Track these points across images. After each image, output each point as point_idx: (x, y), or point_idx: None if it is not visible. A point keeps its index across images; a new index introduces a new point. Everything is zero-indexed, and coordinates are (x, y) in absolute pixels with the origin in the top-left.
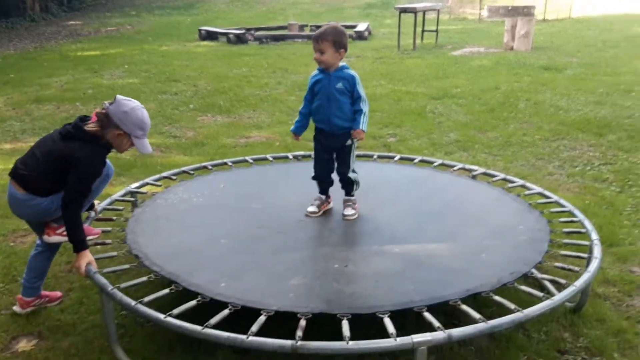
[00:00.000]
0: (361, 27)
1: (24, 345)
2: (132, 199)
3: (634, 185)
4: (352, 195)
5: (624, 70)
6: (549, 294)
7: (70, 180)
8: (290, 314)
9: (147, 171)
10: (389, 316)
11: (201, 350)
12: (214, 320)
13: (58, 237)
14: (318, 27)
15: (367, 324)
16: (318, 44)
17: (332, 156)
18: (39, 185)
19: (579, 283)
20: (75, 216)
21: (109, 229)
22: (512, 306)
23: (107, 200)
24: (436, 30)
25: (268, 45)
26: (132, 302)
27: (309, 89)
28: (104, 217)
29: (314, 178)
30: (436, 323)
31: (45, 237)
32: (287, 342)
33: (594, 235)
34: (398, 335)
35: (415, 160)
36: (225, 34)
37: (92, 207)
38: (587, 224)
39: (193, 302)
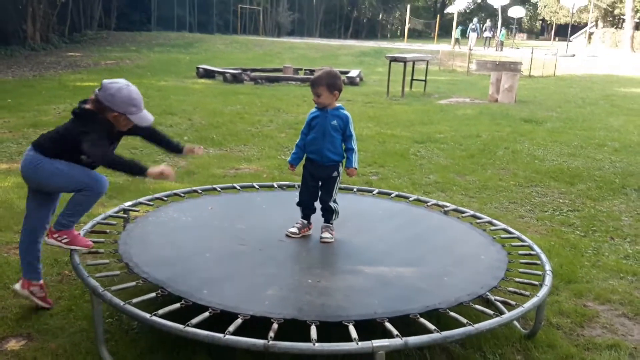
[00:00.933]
0: (353, 73)
1: (13, 345)
2: (125, 215)
3: (597, 231)
4: (331, 223)
5: (599, 126)
6: (501, 314)
7: (86, 149)
8: (265, 319)
9: (140, 195)
10: (353, 325)
11: (181, 355)
12: (195, 320)
13: (53, 240)
14: (312, 71)
15: (334, 332)
16: (314, 88)
17: (318, 185)
18: (48, 146)
19: (528, 305)
20: (113, 161)
21: (102, 240)
22: (465, 321)
23: (102, 216)
24: (425, 80)
25: (263, 86)
26: (121, 303)
27: (307, 123)
28: (99, 229)
29: (298, 204)
30: (395, 331)
31: (45, 239)
32: (260, 341)
33: (547, 267)
34: (360, 341)
35: (392, 195)
36: (222, 73)
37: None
38: (543, 257)
39: (177, 305)
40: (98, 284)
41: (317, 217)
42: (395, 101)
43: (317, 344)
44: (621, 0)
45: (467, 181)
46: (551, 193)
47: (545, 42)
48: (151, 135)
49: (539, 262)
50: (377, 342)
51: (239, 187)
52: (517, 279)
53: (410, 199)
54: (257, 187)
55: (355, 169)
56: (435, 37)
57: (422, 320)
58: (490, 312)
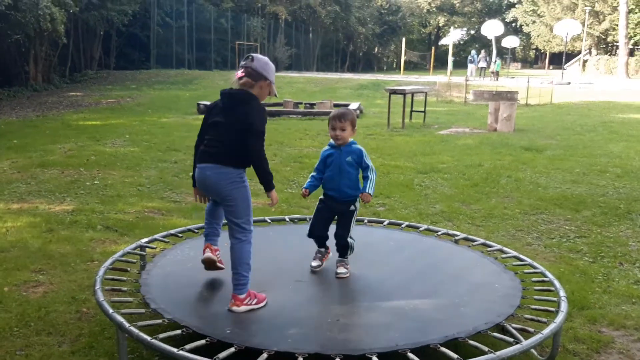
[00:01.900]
0: (353, 106)
1: None
2: (142, 252)
3: (606, 257)
4: (346, 257)
5: (600, 153)
6: (520, 341)
7: (251, 140)
8: (289, 354)
9: (150, 231)
10: (376, 356)
11: None
12: (222, 354)
13: (245, 306)
14: (312, 104)
15: None
16: (341, 122)
17: (333, 217)
18: (231, 157)
19: (546, 331)
20: (265, 158)
21: (124, 278)
22: (486, 349)
23: (119, 253)
24: (424, 111)
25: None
26: (148, 338)
27: (321, 161)
28: (118, 267)
29: (309, 235)
30: None
31: (235, 308)
32: None
33: (562, 293)
34: None
35: (403, 225)
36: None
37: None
38: (556, 283)
39: (202, 341)
40: (124, 320)
41: (332, 246)
42: (397, 132)
43: None
44: (614, 28)
45: (473, 210)
46: (557, 220)
47: (539, 71)
48: None
49: (552, 288)
50: None
51: None
52: (532, 306)
53: (420, 229)
54: (269, 221)
55: (370, 194)
56: (431, 69)
57: (444, 349)
58: (509, 339)
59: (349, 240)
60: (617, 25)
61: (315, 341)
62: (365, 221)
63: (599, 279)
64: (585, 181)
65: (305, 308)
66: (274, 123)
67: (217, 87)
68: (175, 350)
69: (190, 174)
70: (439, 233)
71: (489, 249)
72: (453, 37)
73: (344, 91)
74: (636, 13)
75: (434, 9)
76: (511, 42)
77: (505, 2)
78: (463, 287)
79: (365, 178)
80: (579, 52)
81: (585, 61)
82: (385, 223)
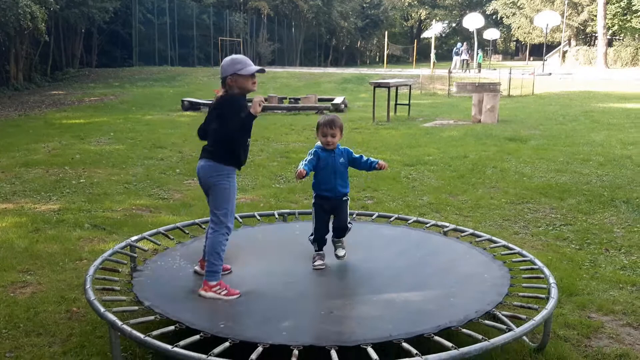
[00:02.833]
0: (338, 100)
1: None
2: (132, 253)
3: (592, 244)
4: (342, 237)
5: (582, 142)
6: (512, 329)
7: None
8: (284, 347)
9: (138, 229)
10: (371, 347)
11: None
12: (217, 350)
13: (212, 294)
14: (297, 99)
15: (352, 356)
16: (332, 129)
17: (329, 219)
18: (220, 154)
19: (538, 318)
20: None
21: (116, 278)
22: (480, 336)
23: (109, 251)
24: (408, 104)
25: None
26: (141, 335)
27: (314, 157)
28: (109, 265)
29: (314, 240)
30: (414, 350)
31: (202, 293)
32: None
33: (552, 280)
34: None
35: (392, 218)
36: (208, 105)
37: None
38: (546, 270)
39: (196, 337)
40: (116, 318)
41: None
42: (382, 126)
43: None
44: (592, 19)
45: (460, 201)
46: (543, 209)
47: (520, 62)
48: None
49: (542, 275)
50: None
51: (240, 219)
52: (522, 294)
53: (409, 221)
54: (258, 217)
55: (384, 162)
56: (414, 62)
57: (437, 338)
58: (502, 327)
59: (348, 225)
60: (595, 16)
61: (309, 333)
62: (354, 215)
63: (586, 266)
64: (569, 170)
65: (298, 301)
66: (259, 118)
67: (200, 83)
68: (169, 347)
69: (178, 170)
70: (428, 225)
71: (477, 239)
72: (435, 30)
73: (328, 85)
74: (614, 4)
75: (416, 2)
76: (492, 34)
77: None
78: (453, 278)
79: (362, 157)
80: (559, 44)
81: (565, 52)
82: (374, 216)
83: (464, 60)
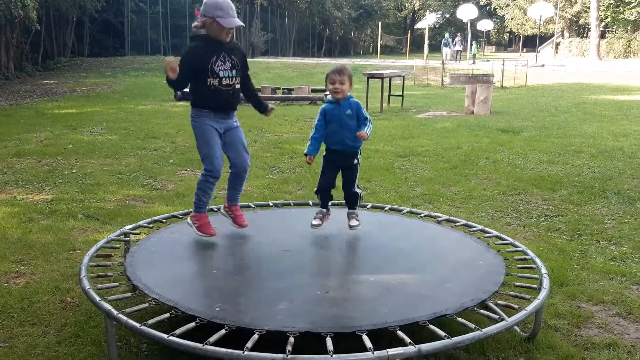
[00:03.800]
0: None
1: None
2: (127, 239)
3: (583, 235)
4: (355, 208)
5: (574, 133)
6: (504, 319)
7: None
8: (280, 333)
9: (132, 220)
10: (366, 334)
11: None
12: (212, 338)
13: (190, 221)
14: (290, 90)
15: (347, 342)
16: (340, 76)
17: (337, 173)
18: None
19: (530, 308)
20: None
21: (109, 263)
22: (473, 326)
23: (104, 240)
24: (402, 95)
25: (242, 106)
26: (137, 325)
27: (321, 116)
28: (103, 253)
29: (317, 191)
30: (407, 339)
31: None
32: (279, 356)
33: (543, 270)
34: (375, 350)
35: (386, 208)
36: None
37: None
38: (538, 261)
39: (192, 324)
40: (112, 307)
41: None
42: (375, 117)
43: (334, 355)
44: (585, 10)
45: (453, 192)
46: (534, 200)
47: (513, 54)
48: (245, 84)
49: (534, 266)
50: (392, 351)
51: None
52: (515, 284)
53: (403, 212)
54: (253, 206)
55: (366, 133)
56: (407, 52)
57: (431, 327)
58: (494, 316)
59: (356, 190)
60: (588, 7)
61: (305, 318)
62: None
63: (577, 256)
64: (561, 161)
65: (293, 282)
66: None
67: None
68: (165, 336)
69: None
70: (421, 215)
71: (470, 229)
72: (428, 20)
73: (321, 76)
74: None
75: None
76: (485, 25)
77: None
78: (448, 265)
79: (364, 122)
80: (552, 35)
81: (557, 44)
82: (368, 207)
83: (457, 51)
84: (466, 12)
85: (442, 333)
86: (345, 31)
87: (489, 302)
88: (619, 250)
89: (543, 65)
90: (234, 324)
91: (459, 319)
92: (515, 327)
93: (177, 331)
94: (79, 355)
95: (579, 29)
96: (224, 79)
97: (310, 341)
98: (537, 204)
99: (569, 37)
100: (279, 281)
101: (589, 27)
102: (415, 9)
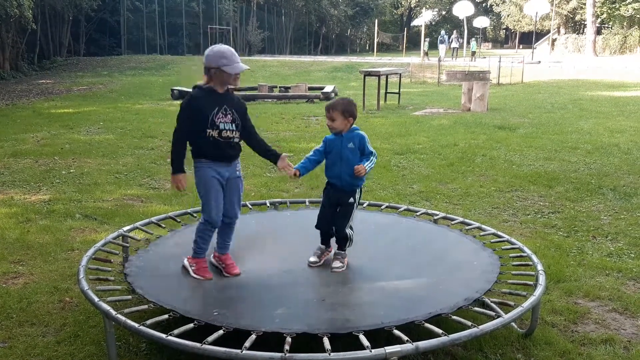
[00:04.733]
0: (328, 89)
1: None
2: (125, 243)
3: (579, 231)
4: (344, 250)
5: (570, 130)
6: (501, 315)
7: None
8: (277, 335)
9: (130, 219)
10: (363, 334)
11: None
12: (210, 338)
13: (187, 264)
14: (287, 88)
15: (345, 343)
16: (329, 113)
17: (336, 210)
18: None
19: (526, 304)
20: (175, 140)
21: (108, 268)
22: (469, 323)
23: (101, 242)
24: (398, 92)
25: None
26: (136, 325)
27: (322, 144)
28: (100, 256)
29: (317, 227)
30: (405, 337)
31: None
32: (277, 355)
33: (540, 267)
34: (372, 348)
35: (383, 207)
36: None
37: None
38: (534, 258)
39: (190, 325)
40: (110, 308)
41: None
42: (372, 114)
43: (332, 354)
44: (581, 7)
45: (450, 189)
46: (531, 197)
47: (510, 50)
48: (249, 133)
49: (530, 263)
50: (389, 349)
51: None
52: (511, 281)
53: (400, 210)
54: (250, 206)
55: (365, 168)
56: (404, 50)
57: (428, 325)
58: (491, 313)
59: (347, 231)
60: (584, 4)
61: (302, 320)
62: None
63: (574, 253)
64: (558, 158)
65: (291, 287)
66: (250, 107)
67: (190, 72)
68: (163, 336)
69: (168, 160)
70: (418, 213)
71: (467, 227)
72: (425, 18)
73: (318, 74)
74: None
75: None
76: (482, 22)
77: None
78: (444, 266)
79: (367, 156)
80: (548, 31)
81: (554, 40)
82: (365, 205)
83: (454, 48)
84: (462, 9)
85: (439, 331)
86: (342, 29)
87: (486, 300)
88: (615, 246)
89: (539, 61)
90: (232, 326)
91: (455, 317)
92: (513, 324)
93: (176, 331)
94: (79, 355)
95: (575, 26)
96: (223, 131)
97: (307, 342)
98: (534, 201)
99: (565, 33)
100: (276, 287)
101: (585, 23)
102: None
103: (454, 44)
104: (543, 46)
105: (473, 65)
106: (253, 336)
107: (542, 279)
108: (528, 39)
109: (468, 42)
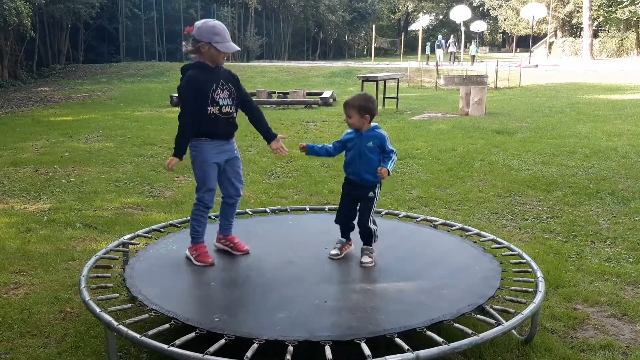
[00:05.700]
0: (326, 94)
1: None
2: (125, 249)
3: (578, 236)
4: (370, 245)
5: (568, 134)
6: (501, 323)
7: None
8: (279, 342)
9: (130, 228)
10: (364, 342)
11: None
12: (212, 348)
13: (189, 254)
14: (286, 93)
15: (347, 350)
16: (345, 109)
17: (356, 206)
18: None
19: (526, 312)
20: (180, 126)
21: (108, 274)
22: (470, 331)
23: (103, 250)
24: (396, 97)
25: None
26: (138, 336)
27: (342, 140)
28: (102, 264)
29: (336, 222)
30: (405, 346)
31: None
32: None
33: (539, 274)
34: (373, 357)
35: (383, 213)
36: None
37: None
38: (533, 264)
39: (192, 334)
40: (112, 319)
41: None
42: None
43: None
44: (578, 10)
45: (448, 194)
46: (530, 201)
47: (507, 54)
48: (247, 103)
49: (530, 269)
50: (391, 358)
51: None
52: (511, 288)
53: (399, 216)
54: (250, 212)
55: (387, 170)
56: (401, 54)
57: (429, 333)
58: (491, 320)
59: (371, 226)
60: (581, 7)
61: (303, 327)
62: None
63: (572, 258)
64: (556, 162)
65: (291, 292)
66: None
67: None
68: (165, 346)
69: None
70: (417, 219)
71: (467, 233)
72: (422, 22)
73: (316, 79)
74: None
75: None
76: (479, 26)
77: None
78: (445, 271)
79: (387, 157)
80: (545, 35)
81: (551, 43)
82: None
83: (451, 52)
84: (459, 14)
85: (440, 339)
86: (340, 34)
87: (486, 307)
88: (614, 250)
89: (537, 65)
90: (234, 334)
91: (457, 325)
92: (512, 331)
93: (177, 341)
94: None
95: (571, 29)
96: (223, 107)
97: (309, 350)
98: (533, 206)
99: (562, 37)
100: (277, 291)
101: (582, 26)
102: (409, 11)
103: (452, 48)
104: (540, 50)
105: (471, 70)
106: (255, 345)
107: (541, 285)
108: (525, 43)
109: (465, 46)
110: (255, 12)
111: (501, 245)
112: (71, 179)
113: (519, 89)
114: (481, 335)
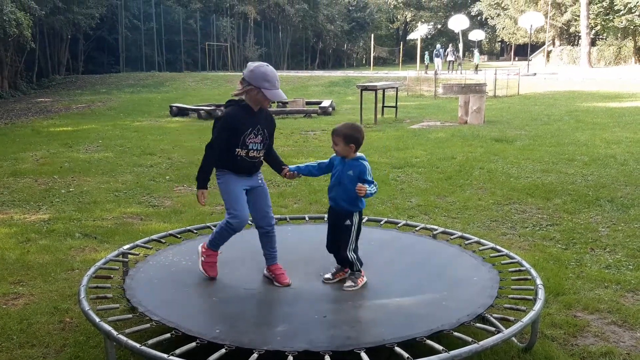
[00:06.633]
0: (325, 103)
1: None
2: (125, 259)
3: (578, 243)
4: (354, 271)
5: (567, 142)
6: (501, 331)
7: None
8: (279, 353)
9: (130, 238)
10: (364, 352)
11: None
12: (212, 357)
13: (200, 252)
14: (284, 103)
15: None
16: (333, 136)
17: (335, 232)
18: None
19: (526, 319)
20: (206, 155)
21: (109, 286)
22: (470, 339)
23: (102, 260)
24: (395, 106)
25: None
26: (137, 345)
27: (330, 161)
28: (102, 274)
29: (327, 250)
30: (405, 354)
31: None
32: None
33: (539, 281)
34: None
35: (382, 222)
36: (196, 110)
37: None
38: (533, 272)
39: (192, 344)
40: (111, 328)
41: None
42: (369, 128)
43: None
44: (576, 19)
45: (448, 202)
46: (529, 209)
47: (505, 63)
48: (269, 151)
49: (529, 277)
50: None
51: None
52: (511, 296)
53: (399, 225)
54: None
55: (367, 189)
56: (400, 64)
57: (429, 342)
58: (491, 329)
59: (349, 254)
60: (578, 16)
61: (303, 338)
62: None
63: (572, 265)
64: (555, 170)
65: (291, 306)
66: None
67: (188, 88)
68: (165, 356)
69: (167, 177)
70: (417, 228)
71: (466, 241)
72: (420, 31)
73: (315, 89)
74: (596, 4)
75: (401, 5)
76: (477, 35)
77: None
78: (444, 282)
79: (369, 182)
80: (543, 43)
81: (549, 52)
82: (364, 220)
83: (450, 61)
84: (457, 23)
85: (440, 347)
86: (339, 44)
87: (486, 315)
88: (614, 258)
89: (535, 73)
90: (234, 345)
91: (456, 334)
92: (513, 339)
93: (177, 351)
94: None
95: (569, 37)
96: (251, 151)
97: None
98: (532, 213)
99: (560, 45)
100: (277, 303)
101: (580, 35)
102: (407, 20)
103: (450, 57)
104: (538, 58)
105: (468, 78)
106: (255, 355)
107: (541, 293)
108: (523, 51)
109: (464, 55)
110: (255, 22)
111: (501, 253)
112: (71, 189)
113: (518, 97)
114: (481, 343)
